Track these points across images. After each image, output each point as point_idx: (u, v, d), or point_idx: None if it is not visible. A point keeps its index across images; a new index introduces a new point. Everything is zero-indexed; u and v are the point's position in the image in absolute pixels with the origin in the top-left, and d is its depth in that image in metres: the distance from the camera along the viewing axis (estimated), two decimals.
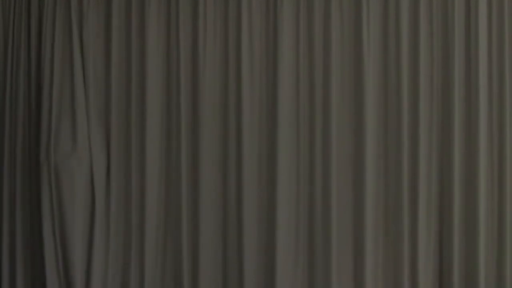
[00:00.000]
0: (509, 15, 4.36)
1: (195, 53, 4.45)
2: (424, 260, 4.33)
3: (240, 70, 4.41)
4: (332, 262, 4.34)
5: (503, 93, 4.33)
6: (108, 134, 4.49)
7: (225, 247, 4.43)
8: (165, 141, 4.48)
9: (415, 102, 4.34)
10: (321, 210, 4.38)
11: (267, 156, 4.42)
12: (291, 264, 4.39)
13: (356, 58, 4.40)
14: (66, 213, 4.39)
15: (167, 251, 4.46)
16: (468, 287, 4.30)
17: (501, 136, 4.33)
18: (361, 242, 4.33)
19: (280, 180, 4.37)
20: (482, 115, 4.31)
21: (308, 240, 4.41)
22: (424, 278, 4.32)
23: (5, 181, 4.47)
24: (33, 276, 4.46)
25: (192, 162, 4.44)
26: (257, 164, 4.42)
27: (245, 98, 4.40)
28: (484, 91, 4.32)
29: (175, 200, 4.45)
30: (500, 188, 4.33)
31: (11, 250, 4.46)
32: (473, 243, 4.28)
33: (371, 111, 4.37)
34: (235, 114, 4.43)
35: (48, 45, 4.45)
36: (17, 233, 4.44)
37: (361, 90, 4.36)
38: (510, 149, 4.32)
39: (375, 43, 4.40)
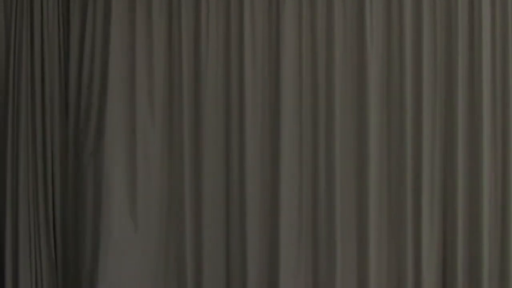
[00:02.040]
0: None
1: (197, 48, 4.43)
2: (428, 256, 4.32)
3: (243, 65, 4.39)
4: (336, 259, 4.34)
5: (507, 89, 4.31)
6: (107, 133, 4.48)
7: (228, 244, 4.42)
8: (168, 138, 4.46)
9: (418, 97, 4.33)
10: (324, 207, 4.37)
11: (270, 152, 4.41)
12: (294, 260, 4.39)
13: (359, 52, 4.37)
14: (69, 212, 4.42)
15: (170, 249, 4.45)
16: (471, 282, 4.32)
17: (504, 134, 4.33)
18: (365, 239, 4.33)
19: (283, 177, 4.36)
20: (485, 112, 4.29)
21: (312, 236, 4.41)
22: (427, 274, 4.32)
23: (7, 181, 4.49)
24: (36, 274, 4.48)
25: (194, 159, 4.43)
26: (260, 160, 4.41)
27: (247, 94, 4.38)
28: (487, 86, 4.31)
29: (178, 197, 4.43)
30: (503, 186, 4.32)
31: (13, 249, 4.48)
32: (477, 239, 4.28)
33: (374, 107, 4.35)
34: (238, 110, 4.41)
35: (49, 43, 4.46)
36: (20, 231, 4.46)
37: (364, 85, 4.34)
38: None
39: (378, 37, 4.38)
